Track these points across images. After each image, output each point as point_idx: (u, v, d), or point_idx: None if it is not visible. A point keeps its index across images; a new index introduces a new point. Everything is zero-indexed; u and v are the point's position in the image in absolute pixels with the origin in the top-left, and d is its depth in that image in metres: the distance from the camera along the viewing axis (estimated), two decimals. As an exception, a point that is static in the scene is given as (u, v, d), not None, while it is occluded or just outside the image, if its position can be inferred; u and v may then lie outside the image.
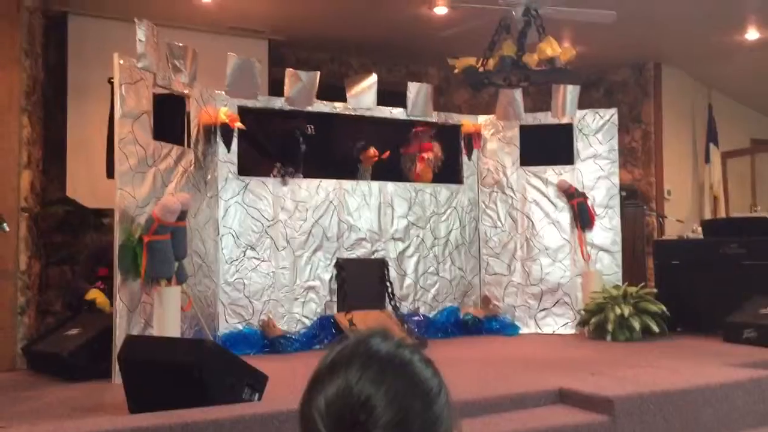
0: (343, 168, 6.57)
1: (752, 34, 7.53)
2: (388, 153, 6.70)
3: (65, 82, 6.49)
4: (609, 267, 6.74)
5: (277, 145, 6.30)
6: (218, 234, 5.84)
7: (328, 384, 0.95)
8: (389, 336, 1.01)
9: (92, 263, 5.42)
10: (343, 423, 0.91)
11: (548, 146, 6.92)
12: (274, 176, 6.10)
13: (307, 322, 6.06)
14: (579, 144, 6.93)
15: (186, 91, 5.42)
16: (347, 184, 6.45)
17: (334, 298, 6.21)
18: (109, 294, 4.88)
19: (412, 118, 6.73)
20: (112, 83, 4.86)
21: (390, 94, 6.77)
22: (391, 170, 6.78)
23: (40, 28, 6.23)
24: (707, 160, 8.93)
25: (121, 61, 4.71)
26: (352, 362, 0.96)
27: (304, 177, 6.24)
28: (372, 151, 6.58)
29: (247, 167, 6.06)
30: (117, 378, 4.08)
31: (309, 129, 6.10)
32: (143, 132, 4.87)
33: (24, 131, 5.53)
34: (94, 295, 5.15)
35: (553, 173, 6.92)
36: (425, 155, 6.81)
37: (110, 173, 4.96)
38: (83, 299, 5.22)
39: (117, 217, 4.62)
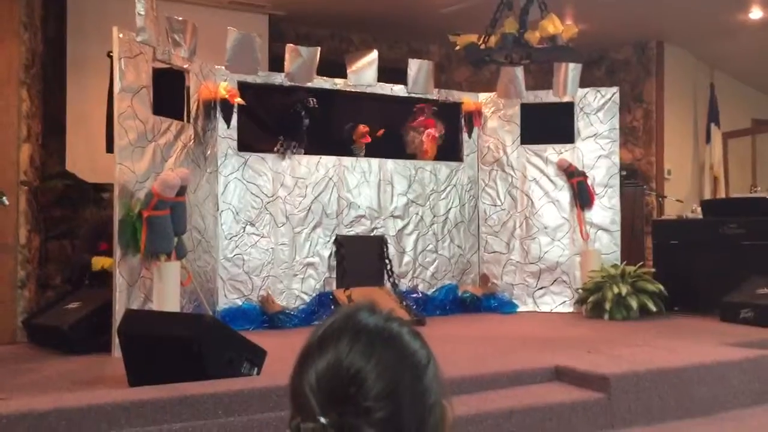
0: (342, 146, 6.55)
1: (756, 13, 7.47)
2: (382, 131, 6.65)
3: (64, 56, 6.45)
4: (608, 246, 6.75)
5: (279, 120, 6.27)
6: (218, 210, 5.84)
7: (318, 358, 0.96)
8: (377, 309, 1.02)
9: (94, 238, 5.43)
10: (335, 396, 0.92)
11: (549, 125, 6.90)
12: (276, 151, 6.07)
13: (306, 299, 6.09)
14: (580, 123, 6.91)
15: (186, 66, 5.39)
16: (347, 161, 6.44)
17: (333, 275, 6.23)
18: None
19: (412, 95, 6.70)
20: (111, 57, 4.84)
21: (391, 71, 6.74)
22: (388, 146, 6.74)
23: (40, 1, 6.18)
24: (708, 140, 8.90)
25: (121, 35, 4.68)
26: (341, 336, 0.96)
27: (306, 153, 6.22)
28: (362, 128, 6.53)
29: (247, 143, 6.04)
30: (117, 352, 4.11)
31: (311, 102, 6.08)
32: (143, 106, 4.85)
33: (23, 105, 5.51)
34: (101, 262, 5.15)
35: (554, 152, 6.91)
36: (430, 132, 6.78)
37: (110, 148, 4.95)
38: (85, 272, 5.24)
39: (116, 192, 4.62)
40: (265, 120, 6.37)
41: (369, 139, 6.54)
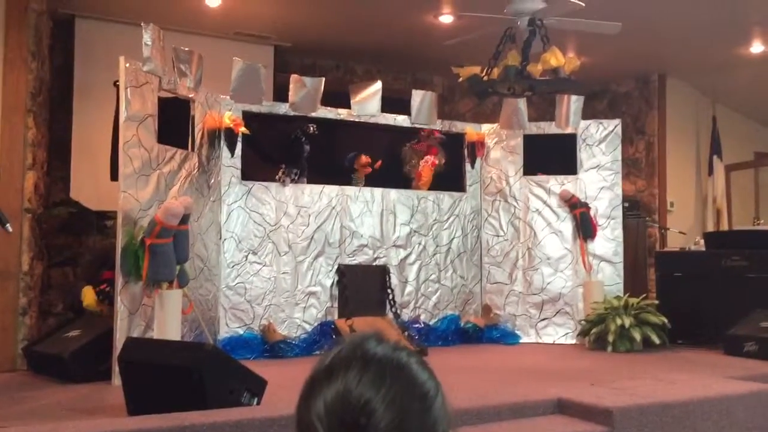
0: (344, 175, 6.57)
1: (757, 47, 7.54)
2: (380, 162, 6.67)
3: (71, 85, 6.52)
4: (610, 277, 6.73)
5: (280, 148, 6.30)
6: (220, 238, 5.85)
7: (326, 388, 0.95)
8: (384, 339, 1.01)
9: (97, 266, 5.45)
10: (344, 427, 0.91)
11: (552, 156, 6.93)
12: (278, 179, 6.10)
13: (308, 328, 6.07)
14: (582, 154, 6.93)
15: (191, 95, 5.44)
16: (350, 190, 6.46)
17: (335, 304, 6.21)
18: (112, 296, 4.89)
19: (416, 125, 6.74)
20: (117, 86, 4.89)
21: (394, 102, 6.79)
22: (388, 176, 6.75)
23: (47, 30, 6.26)
24: (710, 172, 8.92)
25: (127, 65, 4.74)
26: (350, 366, 0.96)
27: (308, 182, 6.24)
28: (364, 158, 6.56)
29: (249, 172, 6.07)
30: (117, 380, 4.09)
31: (311, 128, 6.12)
32: (148, 135, 4.88)
33: (29, 132, 5.55)
34: (84, 293, 5.17)
35: (556, 183, 6.93)
36: (428, 159, 6.80)
37: (114, 176, 4.98)
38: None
39: (120, 220, 4.64)
40: (265, 148, 6.41)
41: (370, 170, 6.57)
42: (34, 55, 5.65)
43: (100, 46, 6.45)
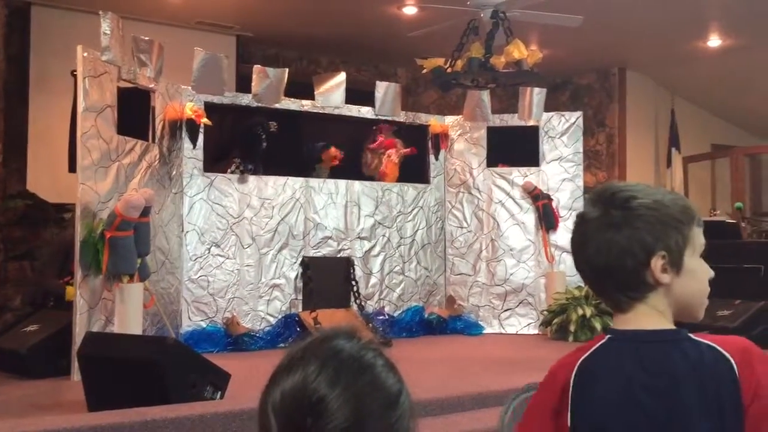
0: (308, 166, 6.54)
1: (714, 41, 7.69)
2: (341, 156, 6.62)
3: (27, 74, 6.38)
4: (572, 268, 6.73)
5: (236, 141, 6.23)
6: (182, 230, 5.78)
7: (285, 379, 0.94)
8: (355, 336, 0.99)
9: (62, 259, 5.33)
10: (293, 421, 0.90)
11: (515, 148, 6.98)
12: (231, 172, 6.03)
13: (272, 321, 6.04)
14: (545, 146, 7.00)
15: (151, 86, 5.36)
16: (314, 182, 6.43)
17: (300, 297, 6.19)
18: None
19: (380, 117, 6.74)
20: (75, 76, 4.78)
21: (358, 93, 6.76)
22: (352, 168, 6.75)
23: (2, 18, 6.11)
24: (669, 164, 9.09)
25: (85, 54, 4.64)
26: (311, 359, 0.95)
27: (270, 174, 6.20)
28: (333, 150, 6.53)
29: (206, 163, 5.97)
30: (76, 375, 4.02)
31: (272, 126, 6.05)
32: (107, 126, 4.80)
33: (-17, 123, 5.42)
34: (67, 291, 5.05)
35: (519, 175, 6.99)
36: (391, 154, 6.80)
37: (72, 167, 4.88)
38: (49, 296, 5.14)
39: (78, 212, 4.55)
40: (221, 140, 6.31)
41: (336, 163, 6.54)
42: (-12, 43, 5.52)
43: (57, 34, 6.31)
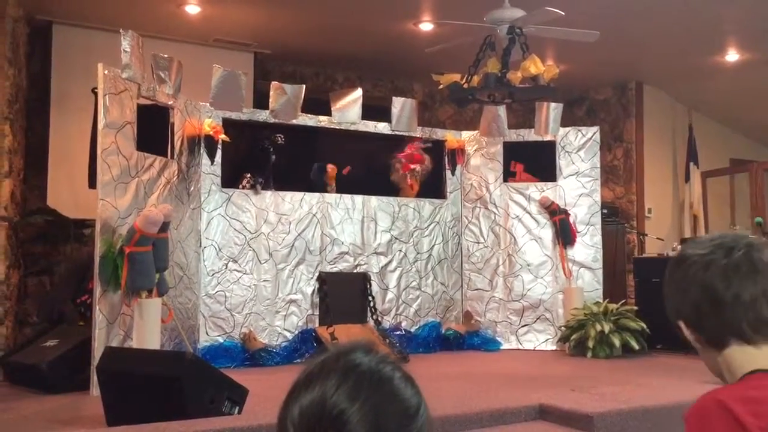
0: (319, 189, 6.53)
1: (732, 56, 7.65)
2: (348, 168, 6.65)
3: (48, 92, 6.45)
4: (590, 284, 6.78)
5: (247, 156, 6.26)
6: (200, 246, 5.81)
7: (304, 394, 0.93)
8: (373, 350, 0.99)
9: (80, 276, 5.37)
10: None
11: (531, 163, 6.97)
12: (243, 187, 6.06)
13: (289, 336, 6.04)
14: (561, 161, 6.98)
15: (170, 102, 5.41)
16: (330, 197, 6.44)
17: (316, 312, 6.20)
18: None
19: (396, 132, 6.76)
20: (96, 93, 4.85)
21: (375, 109, 6.79)
22: (369, 184, 6.74)
23: (24, 36, 6.20)
24: (687, 179, 9.02)
25: (106, 71, 4.70)
26: (330, 374, 0.94)
27: (287, 190, 6.22)
28: (330, 170, 6.51)
29: (223, 179, 6.01)
30: (95, 390, 4.04)
31: (279, 139, 6.08)
32: (126, 142, 4.85)
33: (6, 140, 5.49)
34: None
35: (536, 190, 6.97)
36: (418, 167, 6.80)
37: (92, 183, 4.93)
38: (64, 312, 5.18)
39: (98, 228, 4.59)
40: (236, 156, 6.35)
41: (334, 178, 6.54)
42: (11, 62, 5.60)
43: (77, 52, 6.39)
